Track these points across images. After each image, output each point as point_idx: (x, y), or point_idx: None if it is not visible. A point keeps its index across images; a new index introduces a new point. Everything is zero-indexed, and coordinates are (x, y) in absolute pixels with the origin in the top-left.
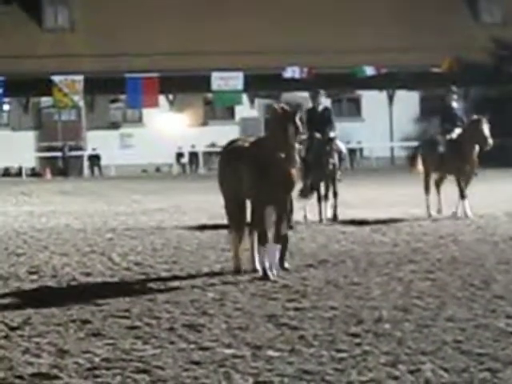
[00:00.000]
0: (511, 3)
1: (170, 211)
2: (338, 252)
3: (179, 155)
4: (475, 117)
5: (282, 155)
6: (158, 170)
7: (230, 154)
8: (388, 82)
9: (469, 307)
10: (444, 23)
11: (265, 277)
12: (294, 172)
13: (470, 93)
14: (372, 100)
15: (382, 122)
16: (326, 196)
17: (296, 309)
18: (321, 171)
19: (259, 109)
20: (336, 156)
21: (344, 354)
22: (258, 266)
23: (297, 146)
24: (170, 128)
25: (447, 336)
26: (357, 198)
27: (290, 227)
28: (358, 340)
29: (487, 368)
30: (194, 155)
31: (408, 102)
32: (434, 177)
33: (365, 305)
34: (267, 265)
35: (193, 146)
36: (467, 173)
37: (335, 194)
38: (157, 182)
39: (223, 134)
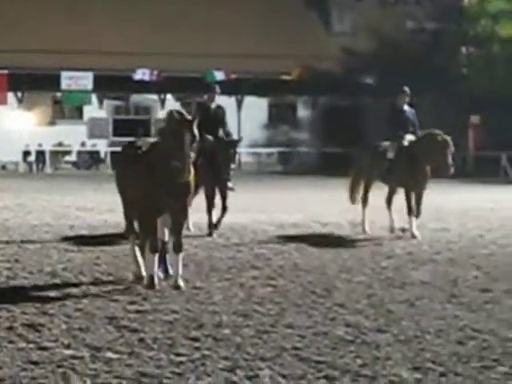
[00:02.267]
0: (362, 13)
1: (14, 210)
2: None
3: (26, 153)
4: (436, 131)
5: (176, 163)
6: (3, 167)
7: (127, 158)
8: (237, 88)
9: (309, 314)
10: (295, 31)
11: (151, 285)
12: (190, 180)
13: (318, 101)
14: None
15: (230, 127)
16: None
17: (137, 311)
18: (215, 177)
19: (108, 109)
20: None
21: (183, 358)
22: (144, 273)
23: (192, 155)
24: (17, 126)
25: (286, 343)
26: (203, 202)
27: None
28: (197, 344)
29: (325, 375)
30: (40, 154)
31: (256, 108)
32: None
33: (205, 309)
34: (155, 272)
35: (40, 145)
36: (419, 186)
37: (224, 208)
38: (2, 180)
39: (71, 133)
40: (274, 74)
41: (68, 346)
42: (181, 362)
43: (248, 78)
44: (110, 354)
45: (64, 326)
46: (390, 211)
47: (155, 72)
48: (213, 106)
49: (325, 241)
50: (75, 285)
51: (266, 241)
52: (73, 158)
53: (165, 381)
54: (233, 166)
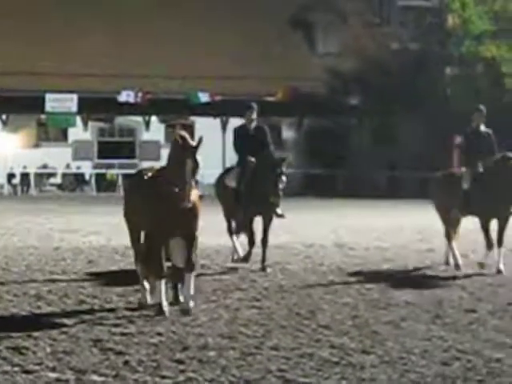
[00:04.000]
0: (347, 34)
1: None
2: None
3: (11, 176)
4: (508, 155)
5: (177, 190)
6: None
7: (133, 185)
8: (222, 109)
9: (294, 336)
10: (280, 52)
11: (160, 312)
12: (196, 205)
13: (303, 122)
14: (205, 126)
15: (215, 149)
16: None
17: (122, 334)
18: (258, 203)
19: (92, 131)
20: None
21: (168, 381)
22: (150, 300)
23: (193, 183)
24: (1, 148)
25: (271, 364)
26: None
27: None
28: (182, 367)
29: None
30: (25, 176)
31: None
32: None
33: (191, 331)
34: (162, 299)
35: (24, 167)
36: (501, 215)
37: (266, 240)
38: None
39: (56, 155)
40: (258, 95)
41: (53, 369)
42: None
43: (233, 100)
44: (95, 377)
45: (49, 349)
46: (452, 244)
47: (140, 94)
48: (252, 126)
49: (310, 262)
50: (60, 307)
51: (252, 262)
52: (57, 180)
53: None
54: (281, 186)
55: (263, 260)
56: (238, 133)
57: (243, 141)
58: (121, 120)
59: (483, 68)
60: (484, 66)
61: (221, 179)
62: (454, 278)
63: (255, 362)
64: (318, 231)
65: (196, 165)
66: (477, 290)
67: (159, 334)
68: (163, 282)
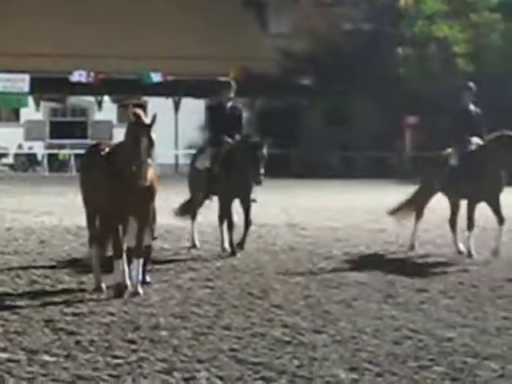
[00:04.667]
0: (299, 15)
1: None
2: None
3: None
4: (505, 133)
5: (133, 169)
6: None
7: (89, 162)
8: (174, 90)
9: (246, 316)
10: (232, 33)
11: (119, 293)
12: (153, 185)
13: (256, 103)
14: (158, 106)
15: (168, 128)
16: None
17: (74, 314)
18: (235, 187)
19: (44, 112)
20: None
21: (120, 361)
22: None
23: (149, 161)
24: None
25: (223, 344)
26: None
27: (154, 238)
28: (134, 346)
29: (262, 377)
30: None
31: (194, 109)
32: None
33: (142, 311)
34: (122, 279)
35: None
36: (491, 194)
37: (248, 222)
38: None
39: (7, 135)
40: (211, 75)
41: (4, 350)
42: (117, 365)
43: (185, 80)
44: (46, 357)
45: (0, 329)
46: (455, 232)
47: (92, 74)
48: (228, 105)
49: (262, 242)
50: (11, 288)
51: (203, 242)
52: (9, 160)
53: (101, 383)
54: (262, 170)
55: (243, 242)
56: (214, 111)
57: (218, 119)
58: (73, 100)
59: (435, 48)
60: (436, 46)
61: (192, 162)
62: (406, 257)
63: (207, 341)
64: (271, 211)
65: (151, 143)
66: (429, 270)
67: (111, 314)
68: (121, 261)
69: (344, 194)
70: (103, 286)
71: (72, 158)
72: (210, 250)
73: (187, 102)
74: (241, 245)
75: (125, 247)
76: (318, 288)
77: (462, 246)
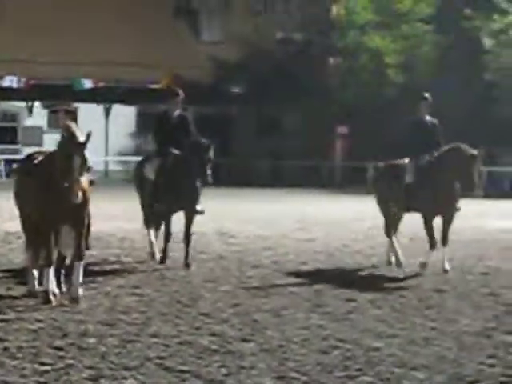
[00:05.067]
0: (230, 22)
1: None
2: None
3: None
4: (459, 146)
5: (65, 184)
6: None
7: (23, 170)
8: (105, 96)
9: (174, 324)
10: (164, 40)
11: (47, 300)
12: (86, 193)
13: (187, 110)
14: (89, 113)
15: (98, 135)
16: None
17: (1, 320)
18: (180, 198)
19: None
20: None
21: (47, 367)
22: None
23: (83, 178)
24: None
25: (151, 352)
26: None
27: (87, 248)
28: (61, 353)
29: None
30: None
31: (124, 116)
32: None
33: (70, 318)
34: (50, 287)
35: None
36: (446, 212)
37: (189, 234)
38: None
39: None
40: (142, 82)
41: None
42: (45, 371)
43: (116, 86)
44: None
45: None
46: (393, 241)
47: (23, 79)
48: (175, 114)
49: (191, 249)
50: None
51: (133, 249)
52: None
53: None
54: (209, 172)
55: (187, 257)
56: (160, 120)
57: (165, 129)
58: (3, 105)
59: (367, 58)
60: (368, 56)
61: (139, 169)
62: (335, 267)
63: (134, 349)
64: (200, 219)
65: (84, 161)
66: (357, 279)
67: (39, 321)
68: (51, 269)
69: (274, 202)
70: (36, 288)
71: (2, 163)
72: (139, 257)
73: (118, 109)
74: (186, 260)
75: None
76: (247, 297)
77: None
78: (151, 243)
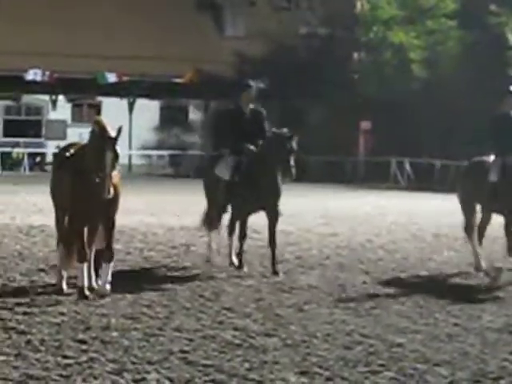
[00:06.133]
0: (254, 18)
1: None
2: None
3: None
4: None
5: (97, 179)
6: None
7: (58, 161)
8: (129, 90)
9: (197, 318)
10: (188, 34)
11: (82, 296)
12: (117, 190)
13: (210, 105)
14: (112, 107)
15: (122, 129)
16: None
17: (24, 313)
18: (260, 197)
19: (0, 110)
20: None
21: (70, 361)
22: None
23: (115, 173)
24: None
25: (174, 346)
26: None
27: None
28: (84, 347)
29: (212, 379)
30: None
31: (148, 110)
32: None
33: (93, 312)
34: (86, 283)
35: None
36: None
37: (274, 238)
38: None
39: None
40: (165, 76)
41: None
42: (68, 365)
43: (140, 81)
44: None
45: None
46: (476, 244)
47: (47, 72)
48: (248, 109)
49: (214, 244)
50: None
51: (156, 243)
52: None
53: (51, 383)
54: (293, 163)
55: (274, 263)
56: (232, 116)
57: (237, 125)
58: (27, 98)
59: (391, 54)
60: (392, 51)
61: (209, 168)
62: (360, 262)
63: (158, 343)
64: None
65: (116, 156)
66: (380, 275)
67: (62, 314)
68: (86, 265)
69: (297, 197)
70: (64, 286)
71: (26, 156)
72: (162, 251)
73: (142, 103)
74: (274, 269)
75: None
76: (270, 291)
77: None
78: (210, 247)
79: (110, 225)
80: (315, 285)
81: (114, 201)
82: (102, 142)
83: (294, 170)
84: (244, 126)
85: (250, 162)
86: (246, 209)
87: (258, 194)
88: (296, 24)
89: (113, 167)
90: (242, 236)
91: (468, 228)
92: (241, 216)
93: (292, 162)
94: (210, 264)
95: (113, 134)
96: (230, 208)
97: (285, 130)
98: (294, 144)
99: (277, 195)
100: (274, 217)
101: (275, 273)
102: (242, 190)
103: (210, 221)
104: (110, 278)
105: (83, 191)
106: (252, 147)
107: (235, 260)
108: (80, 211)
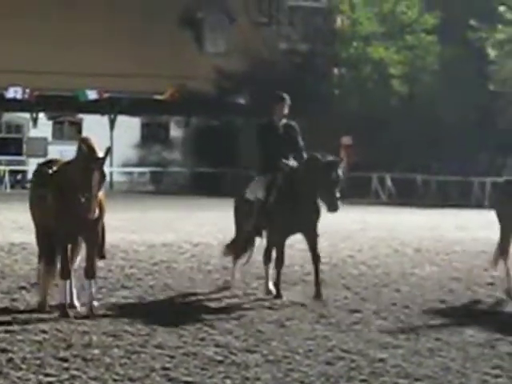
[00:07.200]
0: (234, 34)
1: None
2: None
3: None
4: None
5: (82, 199)
6: None
7: (39, 178)
8: (110, 107)
9: (179, 335)
10: (168, 51)
11: (64, 313)
12: (100, 205)
13: (191, 121)
14: (93, 124)
15: (103, 146)
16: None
17: (6, 331)
18: (298, 218)
19: None
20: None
21: (52, 379)
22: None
23: (100, 194)
24: None
25: (155, 363)
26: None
27: (102, 257)
28: (66, 364)
29: None
30: None
31: (129, 127)
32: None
33: (75, 329)
34: (67, 300)
35: None
36: None
37: (317, 258)
38: None
39: None
40: (146, 93)
41: None
42: (49, 383)
43: (120, 97)
44: None
45: None
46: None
47: (27, 90)
48: (281, 123)
49: (196, 261)
50: None
51: (137, 261)
52: None
53: None
54: (338, 195)
55: (318, 286)
56: (264, 130)
57: (270, 140)
58: (8, 116)
59: (371, 69)
60: (372, 67)
61: (240, 191)
62: (341, 277)
63: (139, 360)
64: (205, 230)
65: (103, 176)
66: (362, 290)
67: (43, 332)
68: (67, 283)
69: None
70: (46, 305)
71: (7, 174)
72: (144, 268)
73: (123, 120)
74: (318, 291)
75: (75, 267)
76: (252, 307)
77: None
78: (233, 275)
79: (93, 243)
80: (297, 300)
81: (98, 220)
82: (90, 161)
83: (339, 203)
84: (277, 141)
85: (287, 180)
86: (284, 232)
87: (298, 214)
88: (276, 40)
89: (99, 188)
90: (280, 263)
91: (503, 248)
92: (278, 240)
93: (338, 194)
94: (191, 281)
95: (101, 154)
96: (264, 233)
97: (330, 157)
98: (341, 172)
99: (318, 216)
100: (312, 239)
101: (318, 295)
102: (280, 211)
103: (237, 248)
104: (94, 296)
105: (68, 210)
106: (289, 163)
107: (273, 289)
108: (64, 229)
